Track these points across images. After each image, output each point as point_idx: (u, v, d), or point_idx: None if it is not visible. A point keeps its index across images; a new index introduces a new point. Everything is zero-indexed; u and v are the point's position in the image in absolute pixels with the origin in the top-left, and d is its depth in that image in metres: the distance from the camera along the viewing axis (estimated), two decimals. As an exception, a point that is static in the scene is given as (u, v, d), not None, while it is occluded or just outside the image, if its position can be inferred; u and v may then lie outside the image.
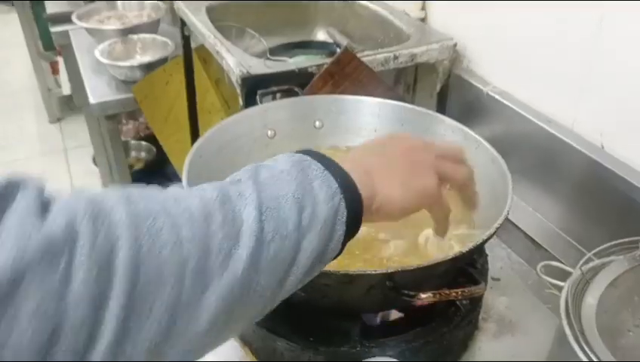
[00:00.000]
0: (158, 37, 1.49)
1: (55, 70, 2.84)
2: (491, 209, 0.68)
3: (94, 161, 2.22)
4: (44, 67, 2.89)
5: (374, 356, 0.60)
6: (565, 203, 0.86)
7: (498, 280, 0.82)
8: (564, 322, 0.61)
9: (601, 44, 0.78)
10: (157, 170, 2.10)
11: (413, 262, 0.55)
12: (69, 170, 2.62)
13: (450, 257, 0.54)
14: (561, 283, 0.68)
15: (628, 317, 0.64)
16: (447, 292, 0.53)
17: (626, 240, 0.69)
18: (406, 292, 0.52)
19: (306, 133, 0.85)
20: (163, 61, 1.39)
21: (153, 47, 1.48)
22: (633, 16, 0.73)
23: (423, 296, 0.52)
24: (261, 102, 0.89)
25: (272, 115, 0.83)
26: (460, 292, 0.54)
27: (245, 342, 0.72)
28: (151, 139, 2.04)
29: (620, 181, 0.76)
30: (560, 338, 0.62)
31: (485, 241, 0.58)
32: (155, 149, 2.16)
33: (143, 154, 2.24)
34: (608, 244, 0.70)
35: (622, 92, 0.77)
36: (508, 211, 0.61)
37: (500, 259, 0.87)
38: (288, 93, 0.92)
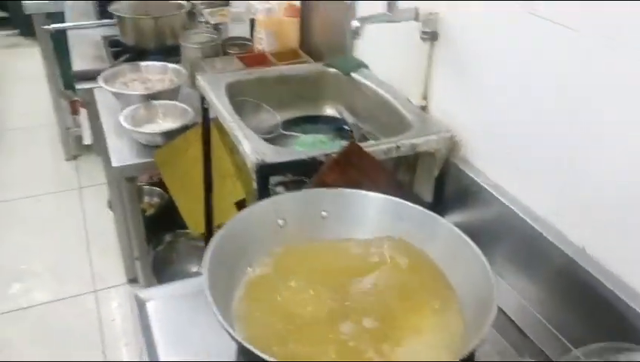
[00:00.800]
0: (179, 104, 1.59)
1: (74, 110, 2.94)
2: (479, 311, 0.76)
3: (109, 205, 2.31)
4: (63, 105, 3.00)
5: None
6: (548, 294, 0.94)
7: (485, 367, 0.89)
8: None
9: (581, 150, 0.86)
10: (168, 216, 2.18)
11: None
12: (82, 209, 2.71)
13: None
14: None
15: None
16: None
17: (604, 344, 0.76)
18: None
19: (314, 223, 0.93)
20: (183, 128, 1.48)
21: (174, 113, 1.58)
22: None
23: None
24: (274, 190, 0.98)
25: (283, 205, 0.91)
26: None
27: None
28: (163, 184, 2.12)
29: (598, 284, 0.83)
30: None
31: (471, 353, 0.66)
32: (166, 195, 2.24)
33: (155, 200, 2.33)
34: (589, 347, 0.76)
35: (601, 200, 0.85)
36: (491, 321, 0.68)
37: (487, 342, 0.94)
38: (298, 182, 1.01)
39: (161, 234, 2.16)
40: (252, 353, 0.64)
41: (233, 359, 0.83)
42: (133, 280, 2.21)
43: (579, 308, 0.88)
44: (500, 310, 0.96)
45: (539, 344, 0.91)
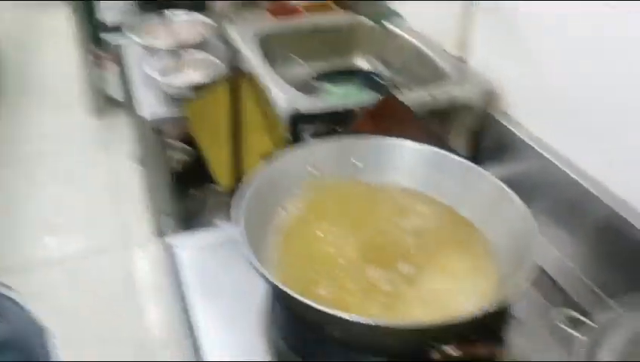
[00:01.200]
0: (209, 56, 1.57)
1: (102, 65, 2.94)
2: (516, 262, 0.74)
3: (138, 160, 2.32)
4: (91, 60, 3.00)
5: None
6: (588, 249, 0.91)
7: (519, 319, 0.87)
8: (578, 373, 0.67)
9: (633, 103, 0.82)
10: (196, 172, 2.18)
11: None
12: (111, 164, 2.73)
13: (475, 315, 0.60)
14: (577, 334, 0.73)
15: (638, 372, 0.69)
16: (473, 349, 0.59)
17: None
18: (435, 344, 0.59)
19: (347, 172, 0.91)
20: (213, 82, 1.46)
21: (203, 65, 1.55)
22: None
23: (450, 350, 0.58)
24: (305, 139, 0.96)
25: (316, 154, 0.90)
26: (486, 350, 0.60)
27: (282, 364, 0.79)
28: (191, 139, 2.12)
29: (641, 236, 0.81)
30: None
31: (508, 302, 0.64)
32: (194, 151, 2.24)
33: (183, 156, 2.33)
34: (627, 298, 0.75)
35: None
36: (532, 273, 0.66)
37: (523, 296, 0.92)
38: (331, 132, 0.99)
39: (189, 189, 2.17)
40: (286, 295, 0.63)
41: (262, 302, 0.83)
42: (162, 235, 2.24)
43: (618, 262, 0.85)
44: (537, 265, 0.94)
45: (574, 296, 0.89)
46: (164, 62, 1.54)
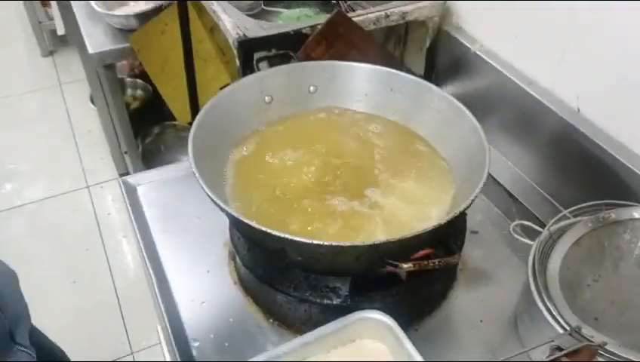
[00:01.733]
0: (152, -17, 1.49)
1: (45, 2, 2.78)
2: (470, 176, 0.75)
3: (92, 99, 2.24)
4: (33, -2, 2.83)
5: (363, 309, 0.69)
6: (542, 160, 0.93)
7: (476, 233, 0.90)
8: (531, 280, 0.70)
9: (581, 13, 0.81)
10: (154, 109, 2.13)
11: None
12: (65, 106, 2.64)
13: (428, 229, 0.61)
14: (531, 242, 0.76)
15: (587, 273, 0.72)
16: (425, 262, 0.60)
17: (594, 203, 0.77)
18: (390, 261, 0.60)
19: (301, 98, 0.90)
20: (158, 9, 1.39)
21: (147, -7, 1.48)
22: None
23: (404, 265, 0.60)
24: (258, 67, 0.93)
25: (268, 82, 0.87)
26: (437, 263, 0.61)
27: (248, 292, 0.81)
28: (146, 76, 2.05)
29: (592, 144, 0.82)
30: (527, 290, 0.71)
31: (461, 213, 0.65)
32: (151, 87, 2.17)
33: (139, 93, 2.26)
34: (578, 206, 0.77)
35: (599, 61, 0.81)
36: (483, 183, 0.67)
37: (479, 210, 0.95)
38: (283, 57, 0.96)
39: (149, 126, 2.12)
40: (244, 224, 0.63)
41: (227, 234, 0.83)
42: (124, 175, 2.20)
43: (573, 172, 0.87)
44: (493, 178, 0.96)
45: (531, 208, 0.91)
46: (107, -7, 1.46)
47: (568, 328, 0.63)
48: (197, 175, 0.68)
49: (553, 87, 0.89)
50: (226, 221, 0.81)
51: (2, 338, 0.76)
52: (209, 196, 0.66)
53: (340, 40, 0.98)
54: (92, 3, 1.42)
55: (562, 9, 0.84)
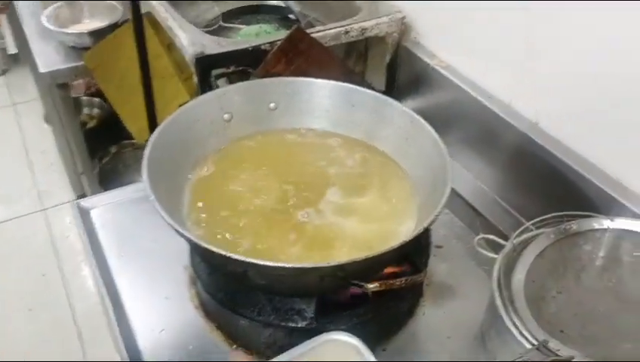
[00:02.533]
0: (106, 1, 1.45)
1: (-5, 20, 2.69)
2: (433, 191, 0.74)
3: (46, 119, 2.17)
4: (-19, 16, 2.74)
5: (329, 331, 0.67)
6: (503, 173, 0.94)
7: (441, 247, 0.90)
8: (496, 294, 0.69)
9: (538, 26, 0.83)
10: (111, 128, 2.07)
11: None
12: (19, 126, 2.55)
13: (395, 247, 0.60)
14: (495, 255, 0.76)
15: (552, 286, 0.72)
16: (390, 282, 0.59)
17: (555, 214, 0.77)
18: (356, 282, 0.59)
19: (262, 115, 0.88)
20: (113, 27, 1.36)
21: (101, 11, 1.44)
22: (563, 7, 0.77)
23: (370, 285, 0.58)
24: (216, 84, 0.91)
25: (227, 99, 0.85)
26: (403, 281, 0.60)
27: (210, 317, 0.78)
28: (103, 94, 2.00)
29: (551, 156, 0.83)
30: (492, 305, 0.70)
31: (426, 229, 0.64)
32: (108, 106, 2.12)
33: (95, 111, 2.20)
34: (540, 218, 0.78)
35: (556, 74, 0.83)
36: (446, 199, 0.67)
37: (443, 224, 0.94)
38: (241, 74, 0.94)
39: (106, 146, 2.06)
40: (203, 248, 0.61)
41: (187, 259, 0.80)
42: (81, 196, 2.13)
43: (534, 184, 0.88)
44: (456, 192, 0.96)
45: (494, 221, 0.91)
46: (58, 10, 1.41)
47: (536, 343, 0.63)
48: (153, 198, 0.65)
49: (511, 101, 0.90)
50: (186, 244, 0.79)
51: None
52: (165, 220, 0.63)
53: (300, 56, 0.97)
54: (43, 20, 1.38)
55: (519, 25, 0.85)
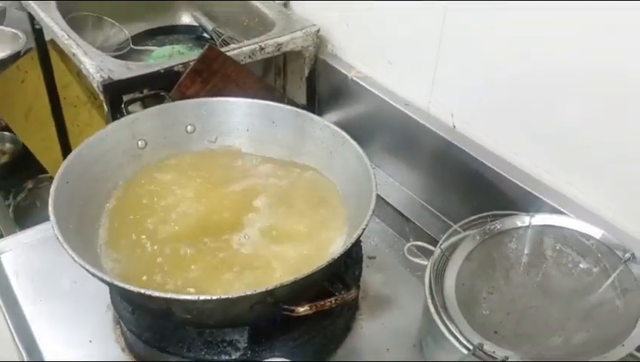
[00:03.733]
0: (7, 29, 1.37)
1: None
2: (360, 203, 0.73)
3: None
4: None
5: (265, 358, 0.64)
6: (426, 178, 0.95)
7: (374, 258, 0.89)
8: (429, 301, 0.69)
9: (446, 34, 0.84)
10: (25, 162, 1.95)
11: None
12: None
13: (323, 266, 0.59)
14: (425, 262, 0.76)
15: (482, 287, 0.73)
16: (322, 303, 0.57)
17: (479, 215, 0.78)
18: (285, 307, 0.56)
19: (179, 139, 0.85)
20: (15, 57, 1.28)
21: (2, 39, 1.36)
22: (471, 11, 0.79)
23: (300, 309, 0.56)
24: (127, 110, 0.87)
25: (140, 125, 0.81)
26: (333, 301, 0.59)
27: (138, 358, 0.73)
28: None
29: (470, 158, 0.85)
30: (426, 311, 0.70)
31: (355, 242, 0.63)
32: (21, 140, 2.00)
33: (7, 146, 2.07)
34: (466, 220, 0.78)
35: (468, 77, 0.84)
36: (373, 210, 0.66)
37: (375, 234, 0.94)
38: (155, 98, 0.90)
39: (21, 182, 1.94)
40: (120, 288, 0.57)
41: (108, 297, 0.75)
42: (-3, 237, 1.99)
43: (456, 187, 0.89)
44: (385, 201, 0.96)
45: (423, 226, 0.92)
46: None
47: (471, 347, 0.63)
48: (61, 239, 0.60)
49: (429, 107, 0.91)
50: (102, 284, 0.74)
51: None
52: (77, 262, 0.59)
53: (215, 75, 0.95)
54: None
55: (430, 30, 0.86)
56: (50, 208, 0.64)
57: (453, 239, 0.77)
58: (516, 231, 0.76)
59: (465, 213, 0.81)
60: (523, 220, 0.76)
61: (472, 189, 0.86)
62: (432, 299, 0.69)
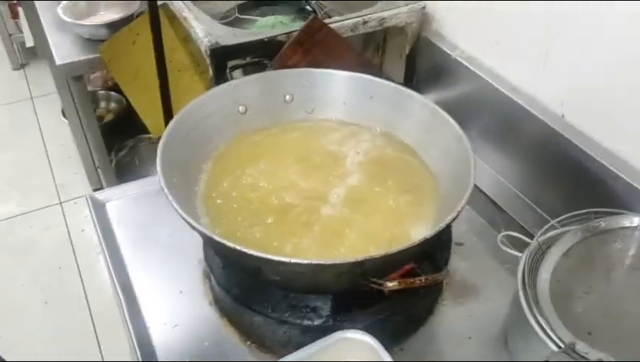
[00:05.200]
0: (123, -7, 1.44)
1: (14, 14, 2.71)
2: (455, 186, 0.72)
3: (63, 113, 2.18)
4: (2, 10, 2.76)
5: (345, 329, 0.65)
6: (526, 168, 0.90)
7: (462, 244, 0.87)
8: (520, 293, 0.66)
9: (564, 16, 0.79)
10: (128, 122, 2.07)
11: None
12: (37, 120, 2.57)
13: (414, 244, 0.58)
14: (519, 253, 0.73)
15: (578, 285, 0.69)
16: (411, 280, 0.57)
17: (582, 211, 0.74)
18: (374, 280, 0.56)
19: (277, 107, 0.86)
20: (128, 19, 1.35)
21: (118, 2, 1.43)
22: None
23: (389, 284, 0.56)
24: (231, 76, 0.89)
25: (242, 91, 0.83)
26: (424, 279, 0.58)
27: (224, 313, 0.76)
28: (120, 88, 2.00)
29: (578, 151, 0.80)
30: (516, 304, 0.68)
31: (448, 225, 0.62)
32: (124, 100, 2.12)
33: (112, 105, 2.20)
34: (566, 215, 0.74)
35: (583, 64, 0.79)
36: (469, 194, 0.64)
37: (464, 221, 0.91)
38: (257, 66, 0.92)
39: (123, 140, 2.06)
40: (217, 242, 0.59)
41: (201, 252, 0.79)
42: (98, 190, 2.13)
43: (558, 179, 0.85)
44: (477, 188, 0.93)
45: (516, 217, 0.88)
46: (74, 2, 1.41)
47: (562, 345, 0.60)
48: (166, 191, 0.63)
49: (536, 93, 0.87)
50: (200, 238, 0.77)
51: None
52: (179, 213, 0.62)
53: (316, 47, 0.95)
54: (60, 12, 1.37)
55: (545, 12, 0.82)
56: (158, 161, 0.67)
57: (551, 233, 0.74)
58: (622, 232, 0.71)
59: (564, 207, 0.77)
60: (632, 220, 0.71)
61: (575, 183, 0.82)
62: (524, 291, 0.66)
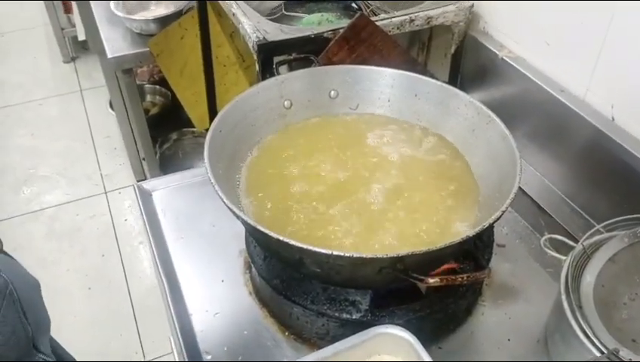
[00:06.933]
0: (184, -12, 1.48)
1: (68, 8, 2.80)
2: (499, 185, 0.71)
3: (111, 105, 2.24)
4: (55, 5, 2.86)
5: (383, 324, 0.65)
6: (572, 171, 0.89)
7: (503, 246, 0.86)
8: (563, 297, 0.65)
9: (617, 18, 0.77)
10: (173, 115, 2.12)
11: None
12: (85, 111, 2.65)
13: (456, 241, 0.58)
14: (562, 257, 0.72)
15: (624, 292, 0.68)
16: (452, 277, 0.57)
17: (630, 216, 0.72)
18: (415, 275, 0.56)
19: (322, 103, 0.87)
20: (178, 14, 1.38)
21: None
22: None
23: (431, 280, 0.56)
24: (277, 71, 0.91)
25: (288, 86, 0.85)
26: (465, 277, 0.58)
27: (263, 303, 0.77)
28: (166, 82, 2.04)
29: (628, 155, 0.78)
30: (558, 308, 0.67)
31: (491, 225, 0.61)
32: (170, 94, 2.17)
33: (158, 99, 2.26)
34: (613, 220, 0.73)
35: (636, 67, 0.77)
36: (515, 194, 0.64)
37: (506, 222, 0.91)
38: (303, 61, 0.93)
39: (167, 132, 2.11)
40: (261, 232, 0.60)
41: (243, 243, 0.80)
42: (142, 181, 2.19)
43: (605, 184, 0.83)
44: (521, 190, 0.92)
45: (560, 221, 0.87)
46: (128, -2, 1.45)
47: (605, 351, 0.59)
48: (212, 181, 0.65)
49: (586, 95, 0.85)
50: (242, 229, 0.78)
51: (26, 347, 0.74)
52: (225, 203, 0.63)
53: (362, 44, 0.96)
54: (112, 7, 1.42)
55: (597, 12, 0.80)
56: (206, 153, 0.69)
57: (596, 238, 0.72)
58: (672, 239, 0.69)
59: (609, 212, 0.76)
60: (683, 227, 0.69)
61: (624, 188, 0.80)
62: (568, 295, 0.65)
